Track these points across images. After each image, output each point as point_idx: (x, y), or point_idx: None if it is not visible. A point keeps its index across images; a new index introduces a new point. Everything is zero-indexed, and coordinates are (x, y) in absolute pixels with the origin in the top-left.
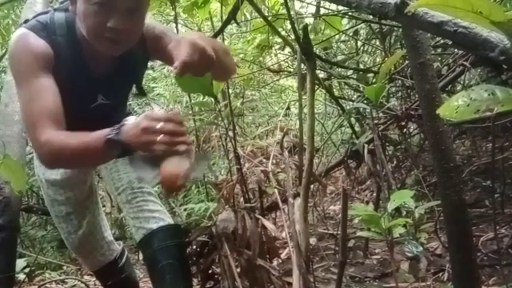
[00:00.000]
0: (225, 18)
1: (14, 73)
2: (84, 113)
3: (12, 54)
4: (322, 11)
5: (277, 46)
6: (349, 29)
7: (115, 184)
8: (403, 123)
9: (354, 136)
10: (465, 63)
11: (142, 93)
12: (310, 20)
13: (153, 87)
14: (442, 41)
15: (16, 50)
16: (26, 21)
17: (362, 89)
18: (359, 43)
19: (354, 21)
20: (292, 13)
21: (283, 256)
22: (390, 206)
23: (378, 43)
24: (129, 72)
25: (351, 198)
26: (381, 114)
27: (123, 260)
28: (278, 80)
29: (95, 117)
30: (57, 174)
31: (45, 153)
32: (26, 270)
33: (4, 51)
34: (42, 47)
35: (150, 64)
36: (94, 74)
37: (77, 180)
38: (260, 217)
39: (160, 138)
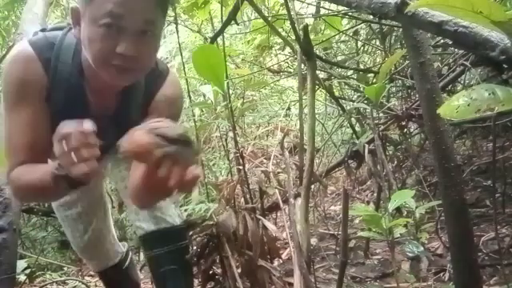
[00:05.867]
0: (225, 18)
1: (3, 92)
2: None
3: (5, 71)
4: (322, 11)
5: (277, 47)
6: (349, 29)
7: (124, 181)
8: (404, 123)
9: (354, 136)
10: (465, 63)
11: None
12: (310, 20)
13: None
14: (442, 40)
15: (9, 70)
16: (43, 30)
17: (362, 89)
18: (359, 43)
19: (354, 21)
20: (292, 13)
21: (284, 256)
22: (391, 206)
23: (378, 43)
24: (131, 111)
25: (352, 198)
26: (381, 114)
27: (127, 262)
28: (278, 80)
29: None
30: None
31: (12, 190)
32: (27, 271)
33: (4, 53)
34: (35, 74)
35: None
36: (93, 112)
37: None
38: (261, 217)
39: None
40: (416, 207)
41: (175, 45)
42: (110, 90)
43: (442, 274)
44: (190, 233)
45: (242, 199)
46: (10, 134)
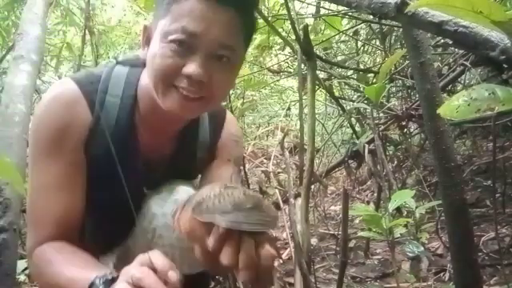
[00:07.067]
0: None
1: (32, 140)
2: (118, 203)
3: (41, 115)
4: (322, 11)
5: (277, 47)
6: (349, 29)
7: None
8: (404, 123)
9: (354, 136)
10: (465, 63)
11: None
12: (310, 20)
13: None
14: (442, 40)
15: (47, 113)
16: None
17: (362, 89)
18: (359, 43)
19: (354, 21)
20: (292, 13)
21: (284, 256)
22: (391, 206)
23: (378, 43)
24: (192, 156)
25: (352, 198)
26: (381, 114)
27: None
28: (278, 80)
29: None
30: None
31: (30, 265)
32: (27, 271)
33: (4, 53)
34: (79, 115)
35: None
36: (143, 157)
37: None
38: None
39: None
40: (416, 207)
41: None
42: (169, 126)
43: (442, 274)
44: None
45: None
46: (35, 196)
